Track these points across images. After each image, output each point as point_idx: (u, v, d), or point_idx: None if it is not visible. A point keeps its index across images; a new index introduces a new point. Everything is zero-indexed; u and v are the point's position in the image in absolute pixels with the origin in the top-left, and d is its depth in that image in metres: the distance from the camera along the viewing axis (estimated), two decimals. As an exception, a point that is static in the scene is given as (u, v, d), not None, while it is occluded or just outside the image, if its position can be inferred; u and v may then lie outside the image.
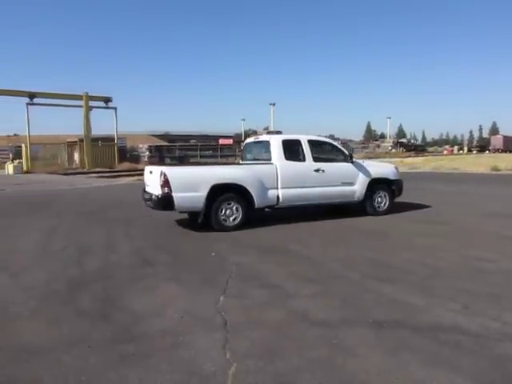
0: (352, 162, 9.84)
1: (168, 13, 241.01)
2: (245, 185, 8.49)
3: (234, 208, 8.46)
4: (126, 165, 35.79)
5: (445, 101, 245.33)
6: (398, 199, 11.89)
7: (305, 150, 9.33)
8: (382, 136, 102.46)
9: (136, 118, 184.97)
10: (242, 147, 11.69)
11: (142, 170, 10.27)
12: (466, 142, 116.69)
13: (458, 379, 3.00)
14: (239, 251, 6.83)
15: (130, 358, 3.36)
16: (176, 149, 51.46)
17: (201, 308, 4.40)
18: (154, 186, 8.47)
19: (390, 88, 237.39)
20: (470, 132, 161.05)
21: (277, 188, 8.93)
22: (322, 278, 5.35)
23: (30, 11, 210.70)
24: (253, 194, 8.56)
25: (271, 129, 55.29)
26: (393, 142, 79.86)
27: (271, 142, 9.26)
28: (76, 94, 36.97)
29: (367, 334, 3.73)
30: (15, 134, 63.59)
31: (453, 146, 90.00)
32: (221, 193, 8.31)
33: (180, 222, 9.28)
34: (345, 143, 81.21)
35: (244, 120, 75.55)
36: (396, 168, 10.95)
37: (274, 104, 60.65)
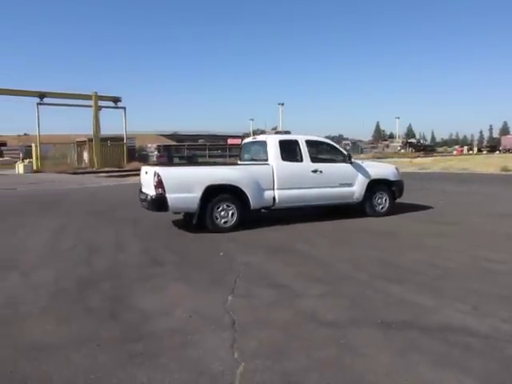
0: (351, 163, 9.70)
1: (175, 10, 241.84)
2: (240, 186, 8.40)
3: (229, 209, 8.37)
4: (135, 164, 35.85)
5: (454, 100, 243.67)
6: (406, 200, 11.84)
7: (302, 151, 9.22)
8: (391, 136, 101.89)
9: (145, 117, 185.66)
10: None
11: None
12: (475, 142, 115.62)
13: (468, 381, 2.98)
14: (247, 251, 6.84)
15: (139, 356, 3.38)
16: (184, 148, 51.63)
17: (209, 307, 4.41)
18: (148, 187, 8.41)
19: (399, 88, 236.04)
20: (480, 132, 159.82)
21: (273, 189, 8.82)
22: (330, 278, 5.34)
23: (34, 9, 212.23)
24: (248, 195, 8.47)
25: (279, 129, 55.27)
26: (402, 142, 79.39)
27: (268, 142, 9.18)
28: (85, 93, 37.20)
29: (375, 335, 3.72)
30: (25, 134, 64.08)
31: (462, 146, 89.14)
32: (215, 194, 8.24)
33: (189, 222, 9.29)
34: (354, 143, 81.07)
35: (252, 120, 75.70)
36: (396, 169, 10.78)
37: (282, 104, 60.54)
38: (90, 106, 36.80)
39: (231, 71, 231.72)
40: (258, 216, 9.34)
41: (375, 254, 6.47)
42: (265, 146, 9.24)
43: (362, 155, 58.83)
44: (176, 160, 45.31)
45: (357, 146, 77.30)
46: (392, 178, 10.29)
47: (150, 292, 4.96)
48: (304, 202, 9.31)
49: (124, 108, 38.27)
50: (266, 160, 9.06)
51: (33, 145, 35.07)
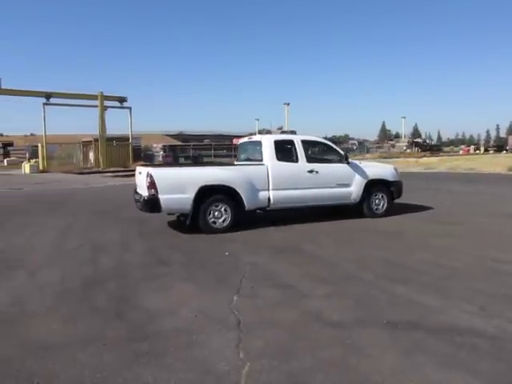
0: (348, 163, 9.58)
1: (180, 10, 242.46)
2: (234, 186, 8.33)
3: (223, 210, 8.30)
4: (141, 164, 36.02)
5: (461, 100, 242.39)
6: (412, 199, 11.80)
7: (298, 151, 9.12)
8: (397, 136, 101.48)
9: (150, 117, 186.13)
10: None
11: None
12: (482, 142, 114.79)
13: (475, 382, 2.96)
14: (253, 251, 6.84)
15: (144, 356, 3.38)
16: (190, 148, 51.70)
17: (215, 307, 4.41)
18: (142, 187, 8.36)
19: (405, 87, 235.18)
20: (487, 132, 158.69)
21: (268, 189, 8.73)
22: (335, 279, 5.33)
23: (35, 9, 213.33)
24: (242, 196, 8.40)
25: (285, 128, 55.23)
26: (408, 142, 79.00)
27: (263, 142, 9.10)
28: (91, 93, 37.35)
29: (381, 335, 3.70)
30: (32, 134, 64.52)
31: (469, 146, 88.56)
32: (209, 194, 8.17)
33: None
34: (360, 143, 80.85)
35: (258, 120, 75.62)
36: (395, 169, 10.61)
37: (288, 104, 60.53)
38: (96, 106, 36.95)
39: (237, 71, 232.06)
40: (262, 216, 9.33)
41: (381, 254, 6.45)
42: (260, 146, 9.16)
43: (368, 155, 58.69)
44: (181, 160, 45.38)
45: (363, 146, 77.09)
46: (390, 179, 10.11)
47: (156, 292, 4.97)
48: (300, 203, 9.23)
49: (130, 108, 38.41)
50: (261, 160, 8.98)
51: (39, 145, 35.29)
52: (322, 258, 6.38)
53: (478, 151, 77.73)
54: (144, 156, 42.18)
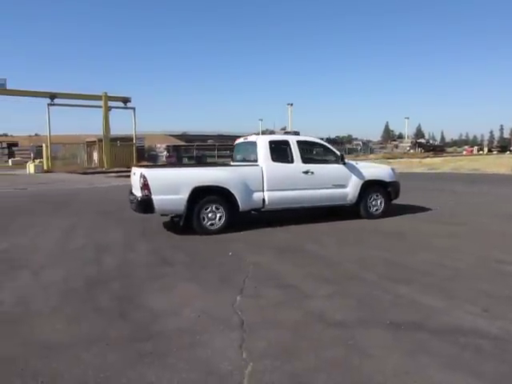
0: (344, 164, 9.50)
1: (183, 10, 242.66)
2: (228, 187, 8.28)
3: (217, 211, 8.26)
4: (144, 164, 36.11)
5: (464, 101, 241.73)
6: (415, 200, 11.79)
7: (293, 151, 9.05)
8: (400, 136, 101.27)
9: (154, 118, 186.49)
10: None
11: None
12: (486, 143, 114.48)
13: None
14: (256, 251, 6.84)
15: (148, 356, 3.39)
16: (193, 149, 51.82)
17: (218, 307, 4.42)
18: (136, 188, 8.34)
19: (409, 88, 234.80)
20: (491, 132, 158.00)
21: (262, 190, 8.67)
22: (338, 279, 5.33)
23: (36, 9, 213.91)
24: (237, 197, 8.34)
25: (288, 129, 55.16)
26: (411, 143, 78.78)
27: (258, 143, 9.02)
28: (95, 94, 37.51)
29: (384, 336, 3.70)
30: (36, 134, 64.82)
31: (472, 147, 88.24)
32: (203, 195, 8.13)
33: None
34: (364, 143, 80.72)
35: (262, 120, 75.58)
36: (392, 169, 10.52)
37: (291, 104, 60.61)
38: (100, 107, 37.10)
39: (238, 72, 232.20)
40: (265, 217, 9.33)
41: (384, 255, 6.44)
42: (255, 146, 9.08)
43: (372, 155, 58.61)
44: (185, 160, 45.46)
45: (367, 147, 76.97)
46: (387, 179, 10.02)
47: (159, 292, 4.98)
48: (295, 204, 9.18)
49: (133, 108, 38.49)
50: (256, 161, 8.92)
51: (43, 145, 35.43)
52: (325, 258, 6.37)
53: (481, 152, 77.46)
54: (148, 156, 42.33)
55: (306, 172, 9.03)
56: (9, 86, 33.00)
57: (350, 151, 68.29)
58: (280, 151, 9.05)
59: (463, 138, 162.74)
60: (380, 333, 3.76)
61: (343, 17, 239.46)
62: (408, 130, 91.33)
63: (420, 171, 26.97)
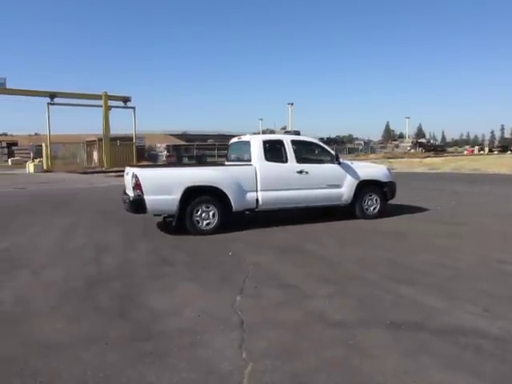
0: (339, 163, 9.43)
1: (183, 10, 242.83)
2: (221, 187, 8.21)
3: (210, 211, 8.20)
4: (144, 164, 36.10)
5: (465, 100, 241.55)
6: (415, 200, 11.79)
7: (287, 151, 8.99)
8: (401, 136, 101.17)
9: (154, 117, 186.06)
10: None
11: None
12: (487, 143, 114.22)
13: None
14: (256, 251, 6.84)
15: (148, 356, 3.39)
16: (193, 148, 51.81)
17: (218, 307, 4.42)
18: (129, 188, 8.30)
19: (409, 88, 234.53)
20: (492, 132, 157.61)
21: (256, 190, 8.61)
22: (338, 279, 5.32)
23: (36, 9, 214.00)
24: (230, 197, 8.27)
25: (289, 128, 55.18)
26: (412, 142, 78.74)
27: (251, 143, 8.97)
28: (95, 93, 37.47)
29: (384, 336, 3.69)
30: (36, 134, 64.82)
31: (473, 147, 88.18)
32: (195, 195, 8.07)
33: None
34: (366, 143, 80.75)
35: (262, 120, 75.60)
36: (388, 169, 10.51)
37: (292, 104, 60.61)
38: (100, 106, 37.05)
39: (238, 72, 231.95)
40: (265, 217, 9.32)
41: (384, 255, 6.43)
42: (248, 146, 9.02)
43: (372, 155, 58.60)
44: (185, 160, 45.45)
45: (368, 146, 76.97)
46: (383, 179, 9.95)
47: (160, 291, 4.97)
48: (290, 204, 9.12)
49: (133, 108, 38.44)
50: (250, 160, 8.86)
51: (43, 144, 35.41)
52: (325, 258, 6.37)
53: (482, 152, 77.44)
54: (148, 156, 42.30)
55: (301, 172, 8.98)
56: (9, 86, 32.98)
57: (351, 151, 68.35)
58: (274, 151, 9.00)
59: (464, 137, 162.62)
60: (380, 333, 3.76)
61: (343, 17, 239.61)
62: (409, 130, 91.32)
63: (421, 171, 26.96)
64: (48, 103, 34.19)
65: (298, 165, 9.00)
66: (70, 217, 10.52)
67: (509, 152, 69.09)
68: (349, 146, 75.22)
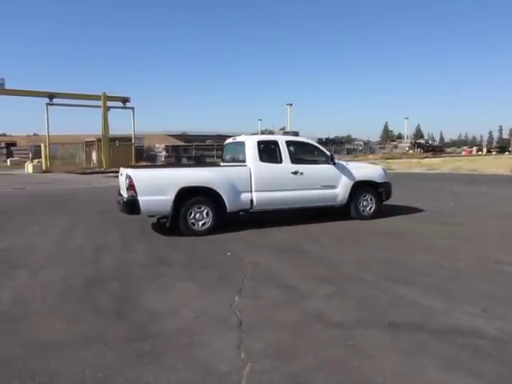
0: (334, 164, 9.41)
1: (183, 10, 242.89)
2: (215, 188, 8.18)
3: (204, 212, 8.15)
4: (143, 164, 36.07)
5: (464, 101, 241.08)
6: (414, 201, 11.79)
7: (282, 152, 8.97)
8: (400, 136, 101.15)
9: (153, 118, 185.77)
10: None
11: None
12: (485, 143, 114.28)
13: (477, 384, 2.96)
14: (254, 251, 6.84)
15: (146, 356, 3.39)
16: (192, 149, 51.74)
17: (216, 308, 4.42)
18: (123, 189, 8.28)
19: (408, 88, 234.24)
20: (490, 133, 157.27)
21: (250, 191, 8.59)
22: (337, 279, 5.32)
23: (36, 9, 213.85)
24: (224, 198, 8.24)
25: (288, 129, 55.16)
26: (410, 143, 78.73)
27: (246, 143, 8.95)
28: (94, 94, 37.40)
29: (383, 336, 3.70)
30: (35, 134, 64.76)
31: (471, 147, 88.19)
32: (189, 196, 8.03)
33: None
34: (366, 143, 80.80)
35: (261, 120, 75.52)
36: (383, 170, 10.50)
37: (290, 104, 60.55)
38: (99, 107, 37.00)
39: (238, 72, 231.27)
40: (263, 217, 9.32)
41: (383, 255, 6.44)
42: (243, 146, 9.00)
43: (371, 155, 58.59)
44: (184, 160, 45.43)
45: (368, 147, 76.99)
46: (378, 180, 9.93)
47: (157, 291, 4.97)
48: (284, 205, 9.10)
49: (132, 108, 38.37)
50: (245, 161, 8.84)
51: (42, 145, 35.37)
52: (324, 258, 6.37)
53: (480, 152, 77.49)
54: (147, 156, 42.26)
55: (295, 172, 8.96)
56: (8, 86, 32.88)
57: (350, 151, 68.37)
58: (269, 151, 9.00)
59: (462, 138, 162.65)
60: (379, 333, 3.76)
61: (343, 17, 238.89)
62: (407, 131, 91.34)
63: (419, 171, 26.98)
64: (47, 104, 34.13)
65: (293, 165, 8.99)
66: (69, 217, 10.52)
67: (507, 153, 69.14)
68: (348, 146, 75.21)
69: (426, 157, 54.53)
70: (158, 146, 48.28)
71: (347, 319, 4.07)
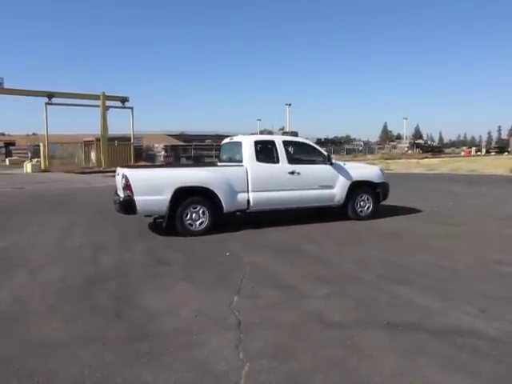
0: (331, 164, 9.40)
1: (183, 10, 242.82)
2: (212, 188, 8.16)
3: (201, 212, 8.13)
4: (142, 164, 36.02)
5: (463, 101, 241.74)
6: (413, 201, 11.79)
7: (279, 152, 8.95)
8: (399, 137, 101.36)
9: (152, 117, 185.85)
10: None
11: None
12: (484, 144, 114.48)
13: (475, 384, 2.96)
14: (253, 251, 6.84)
15: (144, 356, 3.38)
16: (191, 148, 51.67)
17: (215, 307, 4.41)
18: (120, 189, 8.27)
19: (407, 88, 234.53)
20: (489, 133, 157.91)
21: (247, 191, 8.57)
22: (336, 279, 5.32)
23: (35, 8, 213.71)
24: (221, 198, 8.21)
25: (287, 129, 55.19)
26: (409, 143, 78.91)
27: (243, 143, 8.96)
28: (93, 93, 37.38)
29: (382, 336, 3.70)
30: (34, 133, 64.65)
31: (470, 148, 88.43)
32: (186, 196, 8.01)
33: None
34: (366, 143, 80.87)
35: (260, 120, 75.71)
36: (381, 170, 10.49)
37: (289, 104, 60.58)
38: (98, 106, 36.98)
39: (237, 72, 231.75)
40: (262, 217, 9.32)
41: (382, 255, 6.44)
42: (240, 146, 9.00)
43: (370, 156, 58.65)
44: (183, 160, 45.41)
45: (367, 147, 77.06)
46: (376, 180, 9.91)
47: (156, 291, 4.97)
48: (281, 205, 9.08)
49: (131, 108, 38.38)
50: (241, 161, 8.83)
51: (41, 144, 35.33)
52: (323, 258, 6.37)
53: (479, 153, 77.58)
54: (145, 156, 42.22)
55: (292, 172, 8.94)
56: (6, 85, 32.87)
57: (349, 151, 68.42)
58: (265, 151, 8.99)
59: (461, 138, 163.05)
60: (377, 333, 3.76)
61: (343, 17, 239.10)
62: (406, 131, 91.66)
63: (418, 172, 27.00)
64: (46, 103, 34.09)
65: (290, 165, 8.98)
66: (68, 216, 10.51)
67: (506, 153, 69.20)
68: (347, 146, 75.29)
69: (425, 157, 54.62)
70: (156, 145, 48.21)
71: (346, 319, 4.07)
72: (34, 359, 3.36)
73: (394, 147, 78.56)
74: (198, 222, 8.16)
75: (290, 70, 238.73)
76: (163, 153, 45.43)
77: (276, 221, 9.18)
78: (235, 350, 3.46)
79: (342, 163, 9.91)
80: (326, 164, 9.39)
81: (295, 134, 9.99)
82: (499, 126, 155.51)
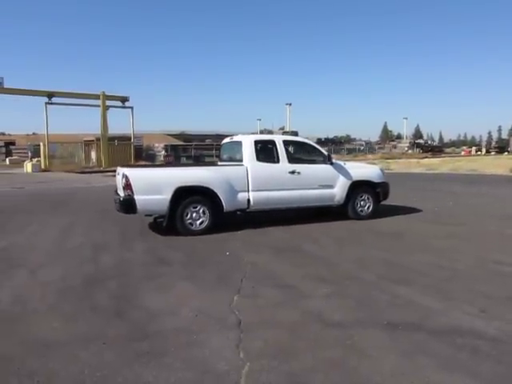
0: (331, 164, 9.39)
1: (183, 10, 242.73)
2: (212, 187, 8.16)
3: (201, 211, 8.13)
4: (142, 164, 36.02)
5: (463, 101, 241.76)
6: (413, 201, 11.79)
7: (279, 151, 8.95)
8: (399, 137, 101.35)
9: (152, 117, 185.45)
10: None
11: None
12: (484, 143, 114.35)
13: (475, 384, 2.96)
14: (253, 250, 6.84)
15: (145, 355, 3.38)
16: (191, 148, 51.67)
17: (215, 307, 4.41)
18: (120, 188, 8.27)
19: (407, 88, 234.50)
20: (489, 133, 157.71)
21: (247, 191, 8.57)
22: (336, 279, 5.32)
23: (35, 8, 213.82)
24: (221, 197, 8.21)
25: (287, 129, 55.20)
26: (409, 143, 78.93)
27: (243, 143, 8.96)
28: (93, 93, 37.35)
29: (382, 336, 3.70)
30: (34, 133, 64.59)
31: (470, 147, 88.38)
32: (186, 195, 8.02)
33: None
34: (367, 143, 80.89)
35: (260, 120, 75.67)
36: (381, 170, 10.50)
37: (290, 104, 60.60)
38: (98, 106, 36.95)
39: (237, 72, 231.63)
40: (262, 216, 9.33)
41: (382, 255, 6.44)
42: (240, 146, 9.01)
43: (370, 155, 58.64)
44: (183, 159, 45.41)
45: (368, 147, 77.09)
46: (376, 180, 9.90)
47: (156, 291, 4.97)
48: (282, 205, 9.09)
49: (131, 107, 38.34)
50: (241, 161, 8.83)
51: (41, 144, 35.31)
52: (323, 258, 6.37)
53: (479, 152, 77.55)
54: (146, 156, 42.21)
55: (292, 172, 8.94)
56: (7, 85, 32.86)
57: (350, 151, 68.45)
58: (266, 151, 8.99)
59: (461, 138, 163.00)
60: (378, 333, 3.76)
61: (343, 17, 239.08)
62: (406, 131, 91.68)
63: (418, 171, 27.00)
64: (46, 103, 34.05)
65: (290, 165, 8.98)
66: (68, 216, 10.51)
67: (506, 153, 69.19)
68: (347, 146, 75.34)
69: (425, 157, 54.59)
70: (157, 145, 48.21)
71: (346, 319, 4.07)
72: (34, 359, 3.36)
73: (394, 147, 78.59)
74: (198, 222, 8.16)
75: (289, 70, 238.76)
76: (163, 152, 45.42)
77: (276, 220, 9.19)
78: (235, 349, 3.46)
79: (342, 163, 9.90)
80: (326, 164, 9.39)
81: (295, 133, 9.98)
82: (499, 126, 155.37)
